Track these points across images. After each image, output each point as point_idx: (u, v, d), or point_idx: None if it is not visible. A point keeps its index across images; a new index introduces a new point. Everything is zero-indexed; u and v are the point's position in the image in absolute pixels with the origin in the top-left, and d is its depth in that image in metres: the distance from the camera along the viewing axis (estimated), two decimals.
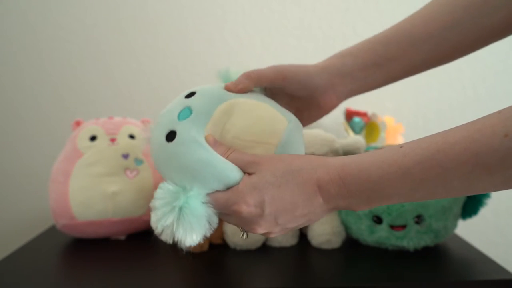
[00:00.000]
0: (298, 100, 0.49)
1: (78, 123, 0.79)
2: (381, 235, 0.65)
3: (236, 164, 0.40)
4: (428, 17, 0.47)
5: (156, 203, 0.38)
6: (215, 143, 0.41)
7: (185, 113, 0.42)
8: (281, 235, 0.42)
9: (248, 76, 0.44)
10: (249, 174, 0.40)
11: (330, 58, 0.50)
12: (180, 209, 0.37)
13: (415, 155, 0.34)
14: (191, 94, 0.44)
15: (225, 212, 0.40)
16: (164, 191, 0.39)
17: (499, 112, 0.32)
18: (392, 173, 0.35)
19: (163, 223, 0.37)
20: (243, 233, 0.43)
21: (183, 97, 0.44)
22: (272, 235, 0.41)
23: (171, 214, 0.37)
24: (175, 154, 0.40)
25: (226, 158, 0.40)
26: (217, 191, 0.40)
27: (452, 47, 0.47)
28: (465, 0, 0.45)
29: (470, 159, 0.31)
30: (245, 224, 0.40)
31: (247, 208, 0.38)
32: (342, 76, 0.48)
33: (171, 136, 0.41)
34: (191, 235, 0.37)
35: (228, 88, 0.44)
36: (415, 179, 0.34)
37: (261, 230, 0.39)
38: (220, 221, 0.71)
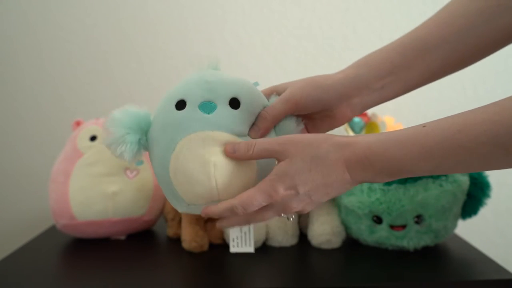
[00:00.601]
0: (311, 112, 0.48)
1: (78, 123, 0.79)
2: (381, 235, 0.65)
3: (264, 156, 0.41)
4: (442, 22, 0.47)
5: (125, 118, 0.44)
6: (234, 146, 0.41)
7: (209, 107, 0.43)
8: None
9: (264, 119, 0.45)
10: (279, 161, 0.41)
11: (345, 70, 0.49)
12: (137, 141, 0.44)
13: (437, 135, 0.36)
14: (236, 104, 0.44)
15: (264, 204, 0.40)
16: (136, 119, 0.44)
17: None
18: (415, 152, 0.37)
19: (119, 135, 0.43)
20: (288, 217, 0.45)
21: (227, 100, 0.43)
22: (305, 211, 0.43)
23: (129, 134, 0.43)
24: (176, 123, 0.43)
25: (251, 153, 0.41)
26: (248, 190, 0.41)
27: (468, 51, 0.47)
28: (478, 3, 0.45)
29: (489, 140, 0.33)
30: (282, 209, 0.41)
31: (283, 192, 0.40)
32: (358, 88, 0.47)
33: (180, 105, 0.43)
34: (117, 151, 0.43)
35: (251, 135, 0.44)
36: (437, 158, 0.36)
37: (296, 208, 0.42)
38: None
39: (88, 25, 1.06)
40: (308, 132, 0.50)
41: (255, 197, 0.40)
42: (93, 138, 0.75)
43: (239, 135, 0.43)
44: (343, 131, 0.96)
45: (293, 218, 0.45)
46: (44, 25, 1.05)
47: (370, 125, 0.97)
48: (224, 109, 0.43)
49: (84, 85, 1.07)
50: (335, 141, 0.40)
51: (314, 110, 0.47)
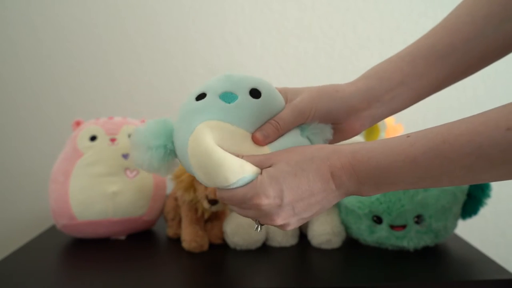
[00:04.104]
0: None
1: (78, 123, 0.79)
2: (381, 235, 0.65)
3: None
4: (450, 29, 0.46)
5: (147, 127, 0.43)
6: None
7: (230, 97, 0.42)
8: (296, 227, 0.44)
9: (276, 128, 0.43)
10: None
11: (355, 82, 0.47)
12: (163, 145, 0.43)
13: (422, 145, 0.35)
14: (257, 94, 0.43)
15: (244, 206, 0.40)
16: (158, 130, 0.43)
17: (504, 106, 0.33)
18: (400, 161, 0.36)
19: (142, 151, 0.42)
20: (257, 226, 0.43)
21: (247, 90, 0.43)
22: (288, 228, 0.42)
23: (150, 150, 0.42)
24: (195, 110, 0.42)
25: None
26: (239, 188, 0.40)
27: (478, 57, 0.46)
28: (484, 9, 0.44)
29: (474, 151, 0.33)
30: (263, 217, 0.40)
31: (267, 199, 0.39)
32: (368, 101, 0.46)
33: (200, 97, 0.43)
34: (140, 160, 0.43)
35: (256, 140, 0.42)
36: (421, 168, 0.36)
37: (279, 221, 0.40)
38: (220, 221, 0.71)
39: (88, 25, 1.06)
40: None
41: (238, 196, 0.40)
42: (93, 138, 0.75)
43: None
44: None
45: (260, 229, 0.43)
46: (44, 25, 1.05)
47: None
48: (245, 99, 0.42)
49: (84, 85, 1.07)
50: (321, 147, 0.40)
51: (322, 121, 0.46)
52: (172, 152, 0.43)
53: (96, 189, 0.71)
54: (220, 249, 0.68)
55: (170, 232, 0.74)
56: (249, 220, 0.67)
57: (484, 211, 0.73)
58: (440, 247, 0.68)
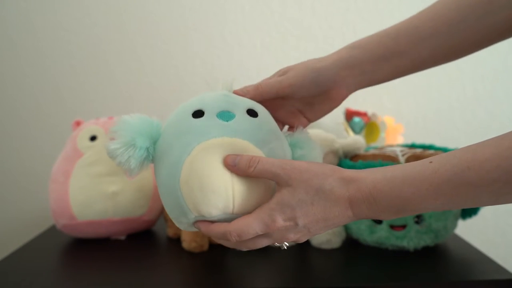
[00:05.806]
0: (308, 96, 0.49)
1: (78, 123, 0.79)
2: (381, 235, 0.65)
3: (264, 177, 0.40)
4: (435, 13, 0.48)
5: (136, 122, 0.42)
6: (235, 158, 0.40)
7: (227, 115, 0.42)
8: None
9: (256, 86, 0.47)
10: (279, 186, 0.40)
11: (338, 51, 0.50)
12: (146, 148, 0.41)
13: (446, 171, 0.35)
14: (254, 113, 0.43)
15: (260, 233, 0.40)
16: (142, 132, 0.42)
17: None
18: (423, 190, 0.36)
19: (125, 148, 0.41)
20: (281, 246, 0.43)
21: (244, 110, 0.43)
22: (302, 241, 0.42)
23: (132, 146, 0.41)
24: (192, 129, 0.41)
25: (252, 171, 0.39)
26: (245, 216, 0.40)
27: (458, 44, 0.47)
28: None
29: (501, 177, 0.32)
30: (278, 239, 0.41)
31: (283, 223, 0.39)
32: (351, 68, 0.48)
33: (197, 114, 0.42)
34: (124, 162, 0.41)
35: (236, 93, 0.46)
36: (446, 195, 0.35)
37: (293, 239, 0.41)
38: None
39: (88, 25, 1.06)
40: (307, 118, 0.51)
41: (252, 225, 0.39)
42: (93, 138, 0.75)
43: (259, 142, 0.42)
44: (343, 131, 0.96)
45: (286, 246, 0.44)
46: (44, 25, 1.05)
47: (370, 125, 0.97)
48: (242, 117, 0.42)
49: (84, 85, 1.07)
50: (341, 176, 0.39)
51: (310, 93, 0.48)
52: (151, 157, 0.42)
53: (96, 189, 0.71)
54: (220, 249, 0.68)
55: (170, 232, 0.74)
56: None
57: (484, 211, 0.73)
58: (440, 247, 0.68)
